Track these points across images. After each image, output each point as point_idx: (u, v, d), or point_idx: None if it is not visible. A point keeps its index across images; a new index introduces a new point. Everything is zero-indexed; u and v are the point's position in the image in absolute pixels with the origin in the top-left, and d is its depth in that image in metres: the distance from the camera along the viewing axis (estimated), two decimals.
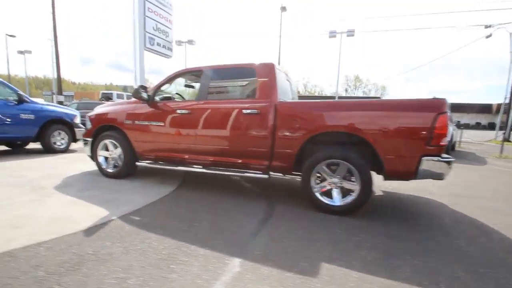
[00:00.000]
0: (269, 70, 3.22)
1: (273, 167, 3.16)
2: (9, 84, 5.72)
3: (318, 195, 2.94)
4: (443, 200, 3.64)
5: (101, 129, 4.11)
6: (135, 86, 14.36)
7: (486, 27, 17.16)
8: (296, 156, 3.00)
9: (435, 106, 2.53)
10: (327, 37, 20.98)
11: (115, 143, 3.95)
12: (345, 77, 61.67)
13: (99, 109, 4.24)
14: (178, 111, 3.49)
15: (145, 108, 3.72)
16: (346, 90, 61.08)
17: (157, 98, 3.81)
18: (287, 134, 2.98)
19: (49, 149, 6.21)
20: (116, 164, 4.04)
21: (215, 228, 2.41)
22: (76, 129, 6.72)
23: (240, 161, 3.29)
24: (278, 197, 3.43)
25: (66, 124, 6.58)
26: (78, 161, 5.37)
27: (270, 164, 3.16)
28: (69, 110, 6.84)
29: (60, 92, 19.46)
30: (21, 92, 5.72)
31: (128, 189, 3.50)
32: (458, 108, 43.88)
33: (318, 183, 2.97)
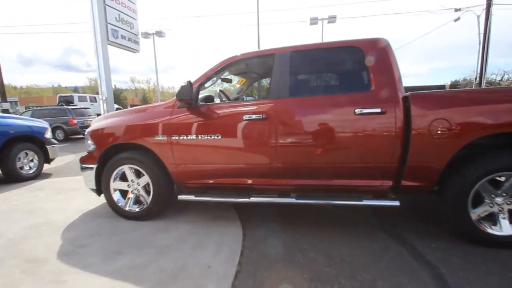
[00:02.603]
0: (384, 49, 2.23)
1: (401, 188, 2.21)
2: None
3: (477, 222, 2.07)
4: None
5: (112, 150, 2.80)
6: (102, 87, 12.26)
7: (456, 10, 17.73)
8: (443, 170, 2.09)
9: None
10: (301, 24, 20.22)
11: (139, 169, 2.68)
12: None
13: (105, 122, 2.90)
14: (245, 117, 2.35)
15: (188, 115, 2.51)
16: None
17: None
18: (431, 139, 2.04)
19: (14, 177, 4.57)
20: (140, 199, 2.78)
21: None
22: (49, 147, 5.09)
23: (345, 182, 2.28)
24: (391, 226, 2.50)
25: (35, 141, 4.93)
26: (64, 192, 3.90)
27: (397, 183, 2.21)
28: (38, 122, 5.17)
29: (4, 98, 16.39)
30: None
31: (179, 240, 2.31)
32: (414, 91, 46.49)
33: (474, 206, 2.10)
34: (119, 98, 42.76)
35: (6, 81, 16.01)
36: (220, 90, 2.98)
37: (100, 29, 13.01)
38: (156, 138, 2.57)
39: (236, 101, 2.84)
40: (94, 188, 2.91)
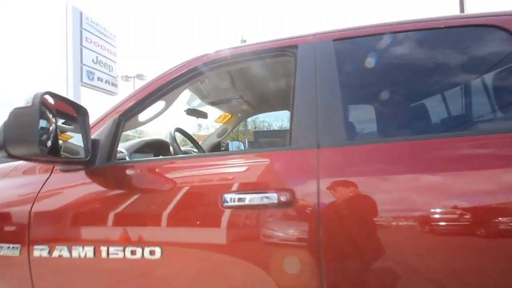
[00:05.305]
0: None
1: None
2: None
3: None
4: None
5: None
6: None
7: None
8: None
9: None
10: None
11: None
12: None
13: None
14: (229, 199, 0.85)
15: (83, 192, 0.98)
16: None
17: (122, 150, 1.12)
18: None
19: None
20: None
21: None
22: None
23: None
24: None
25: None
26: None
27: None
28: None
29: None
30: None
31: None
32: None
33: None
34: None
35: None
36: (178, 129, 1.44)
37: (74, 71, 12.11)
38: None
39: (211, 155, 1.32)
40: None
